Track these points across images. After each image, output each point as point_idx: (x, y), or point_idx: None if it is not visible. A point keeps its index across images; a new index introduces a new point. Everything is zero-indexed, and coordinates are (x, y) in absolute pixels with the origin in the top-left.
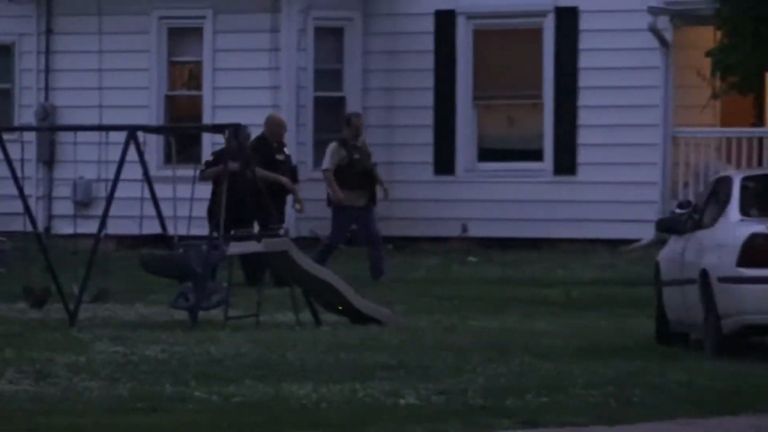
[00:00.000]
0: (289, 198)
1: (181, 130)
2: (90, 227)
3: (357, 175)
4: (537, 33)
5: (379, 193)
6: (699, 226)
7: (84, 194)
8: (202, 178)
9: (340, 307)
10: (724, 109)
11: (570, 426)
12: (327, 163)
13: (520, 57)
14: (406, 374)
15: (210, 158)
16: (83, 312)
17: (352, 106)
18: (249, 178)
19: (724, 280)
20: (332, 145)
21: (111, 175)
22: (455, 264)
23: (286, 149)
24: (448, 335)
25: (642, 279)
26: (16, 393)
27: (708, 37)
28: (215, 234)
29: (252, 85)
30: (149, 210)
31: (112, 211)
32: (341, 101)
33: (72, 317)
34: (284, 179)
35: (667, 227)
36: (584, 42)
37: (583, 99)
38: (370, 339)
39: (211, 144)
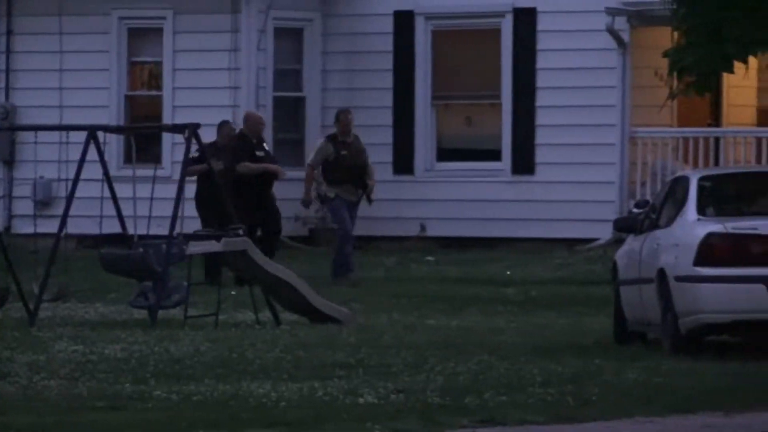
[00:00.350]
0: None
1: (141, 130)
2: (50, 227)
3: (344, 171)
4: (495, 33)
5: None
6: (656, 225)
7: (44, 194)
8: (187, 174)
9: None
10: (681, 109)
11: (528, 424)
12: (311, 158)
13: (478, 57)
14: (364, 373)
15: (196, 154)
16: (43, 311)
17: (312, 106)
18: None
19: (681, 279)
20: (320, 142)
21: (71, 175)
22: (414, 263)
23: (265, 145)
24: (406, 334)
25: (600, 278)
26: None
27: (665, 37)
28: (176, 233)
29: (212, 86)
30: (109, 209)
31: (73, 211)
32: (301, 101)
33: (32, 316)
34: (273, 166)
35: (625, 227)
36: (542, 42)
37: (541, 99)
38: (329, 338)
39: (171, 144)
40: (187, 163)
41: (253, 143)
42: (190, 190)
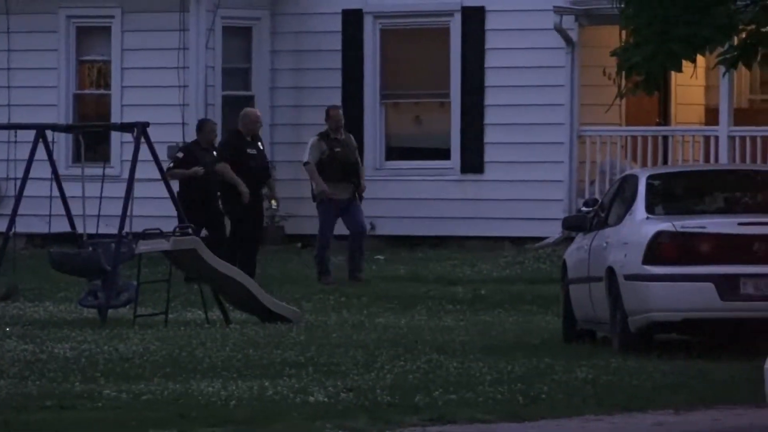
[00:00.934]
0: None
1: (89, 128)
2: None
3: (339, 169)
4: (444, 32)
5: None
6: (605, 224)
7: None
8: (171, 176)
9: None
10: (629, 108)
11: (478, 423)
12: (307, 156)
13: (427, 56)
14: (314, 371)
15: (180, 155)
16: None
17: (261, 105)
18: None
19: (630, 277)
20: (312, 139)
21: (20, 174)
22: (363, 262)
23: (260, 144)
24: (356, 333)
25: (549, 277)
26: None
27: (613, 36)
28: (125, 232)
29: (160, 84)
30: (58, 208)
31: (21, 210)
32: (249, 100)
33: None
34: (243, 189)
35: (574, 225)
36: (491, 41)
37: (490, 98)
38: (279, 336)
39: (120, 143)
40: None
41: (246, 141)
42: (140, 189)
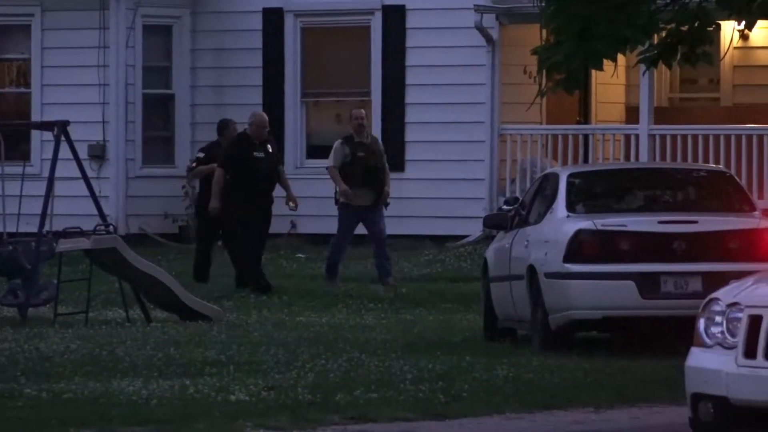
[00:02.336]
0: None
1: (9, 127)
2: None
3: (360, 173)
4: (365, 31)
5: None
6: (526, 222)
7: None
8: (193, 175)
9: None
10: (550, 106)
11: (399, 421)
12: (330, 160)
13: (348, 55)
14: (235, 370)
15: (200, 155)
16: None
17: (181, 103)
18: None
19: (551, 275)
20: (336, 143)
21: None
22: (284, 260)
23: (269, 146)
24: (277, 331)
25: (470, 275)
26: None
27: (534, 34)
28: (45, 231)
29: (81, 83)
30: None
31: None
32: (170, 98)
33: None
34: (213, 204)
35: (495, 223)
36: (411, 40)
37: (411, 96)
38: (200, 335)
39: (40, 141)
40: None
41: (254, 144)
42: (60, 187)
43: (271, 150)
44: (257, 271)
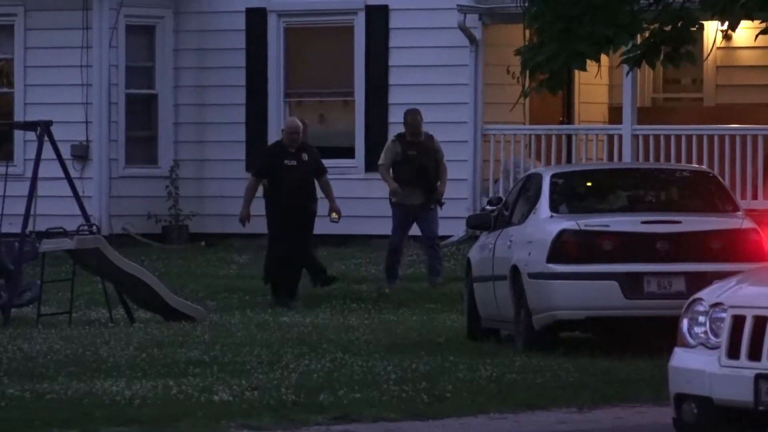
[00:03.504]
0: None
1: None
2: None
3: (411, 173)
4: (348, 31)
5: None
6: (509, 222)
7: None
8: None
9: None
10: (533, 106)
11: (383, 421)
12: (381, 158)
13: (331, 54)
14: (219, 370)
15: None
16: None
17: (164, 103)
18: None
19: (534, 276)
20: (388, 142)
21: None
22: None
23: (305, 155)
24: (260, 332)
25: (453, 275)
26: None
27: (517, 35)
28: (28, 231)
29: (64, 83)
30: None
31: None
32: (153, 98)
33: None
34: (242, 211)
35: (478, 224)
36: (394, 40)
37: (394, 96)
38: (183, 335)
39: (23, 141)
40: (39, 160)
41: (288, 152)
42: (44, 187)
43: (307, 158)
44: (277, 288)
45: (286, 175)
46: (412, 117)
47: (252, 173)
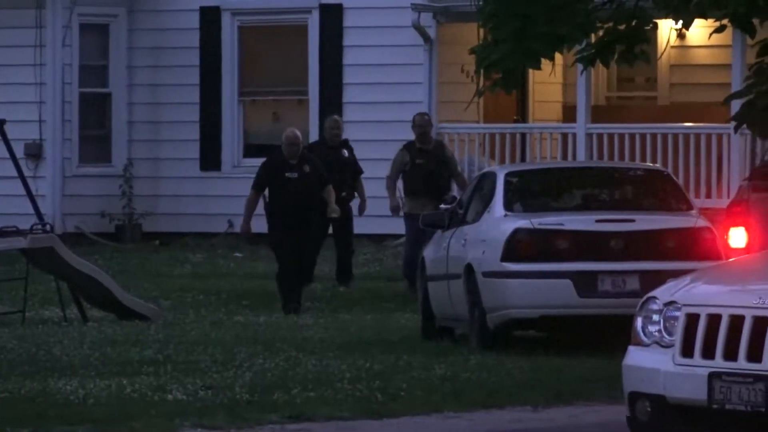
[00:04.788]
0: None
1: None
2: None
3: (420, 181)
4: (302, 29)
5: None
6: (464, 221)
7: None
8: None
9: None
10: (487, 105)
11: (337, 420)
12: (389, 170)
13: (285, 53)
14: (173, 369)
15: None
16: None
17: (118, 102)
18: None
19: (488, 274)
20: (397, 152)
21: None
22: (221, 259)
23: (307, 166)
24: (214, 330)
25: (394, 275)
26: None
27: (472, 33)
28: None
29: (17, 81)
30: None
31: None
32: (107, 97)
33: None
34: (243, 226)
35: (432, 222)
36: (349, 39)
37: (348, 95)
38: (137, 334)
39: None
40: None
41: (288, 164)
42: None
43: (309, 170)
44: (288, 295)
45: (288, 188)
46: (420, 117)
47: (252, 186)
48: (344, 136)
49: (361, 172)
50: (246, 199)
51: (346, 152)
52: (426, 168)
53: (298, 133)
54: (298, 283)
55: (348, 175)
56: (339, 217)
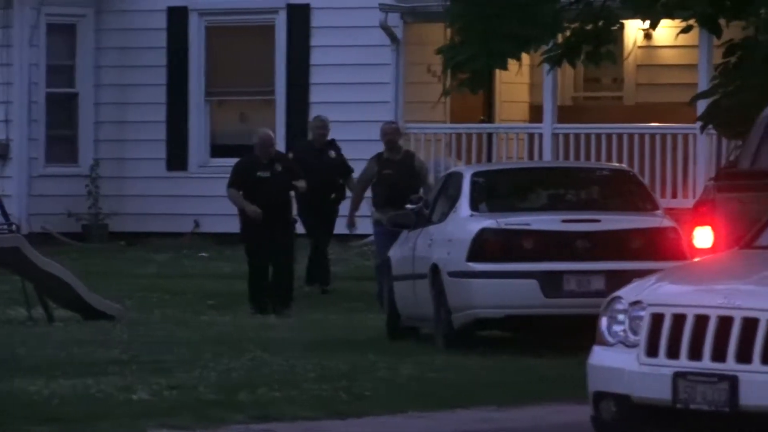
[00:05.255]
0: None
1: None
2: None
3: (385, 191)
4: (269, 30)
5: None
6: (430, 221)
7: None
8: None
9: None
10: (454, 105)
11: (302, 420)
12: (361, 173)
13: (252, 53)
14: (138, 369)
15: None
16: None
17: (85, 102)
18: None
19: (454, 274)
20: (370, 158)
21: None
22: (187, 259)
23: (278, 165)
24: (180, 330)
25: (374, 274)
26: None
27: (439, 34)
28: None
29: None
30: None
31: None
32: (74, 97)
33: None
34: (250, 209)
35: (398, 222)
36: (316, 39)
37: (315, 95)
38: (103, 334)
39: None
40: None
41: (261, 164)
42: None
43: (281, 169)
44: (255, 295)
45: (260, 188)
46: (387, 126)
47: (228, 185)
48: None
49: (351, 170)
50: (229, 197)
51: (333, 153)
52: (390, 179)
53: (272, 133)
54: (275, 284)
55: (336, 176)
56: (325, 219)
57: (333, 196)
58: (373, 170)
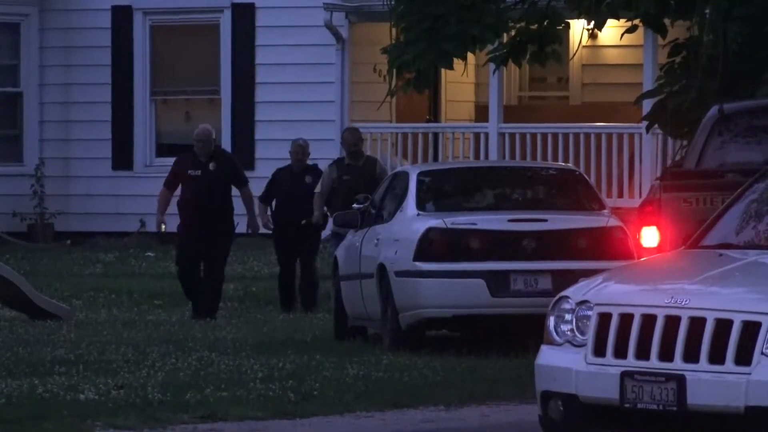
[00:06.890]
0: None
1: None
2: None
3: (343, 198)
4: (214, 29)
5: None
6: (376, 220)
7: None
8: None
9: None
10: (399, 105)
11: (249, 420)
12: (318, 186)
13: (197, 53)
14: (84, 369)
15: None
16: None
17: (29, 101)
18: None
19: (401, 274)
20: (325, 167)
21: None
22: (133, 259)
23: (213, 164)
24: (126, 330)
25: (320, 274)
26: None
27: (384, 33)
28: None
29: None
30: None
31: None
32: (18, 97)
33: None
34: (157, 218)
35: (345, 222)
36: (261, 38)
37: (260, 95)
38: (49, 334)
39: None
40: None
41: (197, 161)
42: None
43: (215, 168)
44: (187, 294)
45: (190, 186)
46: (350, 134)
47: (163, 183)
48: (258, 135)
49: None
50: (158, 199)
51: (309, 178)
52: (348, 185)
53: (210, 128)
54: (204, 290)
55: (310, 203)
56: (298, 244)
57: (303, 222)
58: (333, 175)
